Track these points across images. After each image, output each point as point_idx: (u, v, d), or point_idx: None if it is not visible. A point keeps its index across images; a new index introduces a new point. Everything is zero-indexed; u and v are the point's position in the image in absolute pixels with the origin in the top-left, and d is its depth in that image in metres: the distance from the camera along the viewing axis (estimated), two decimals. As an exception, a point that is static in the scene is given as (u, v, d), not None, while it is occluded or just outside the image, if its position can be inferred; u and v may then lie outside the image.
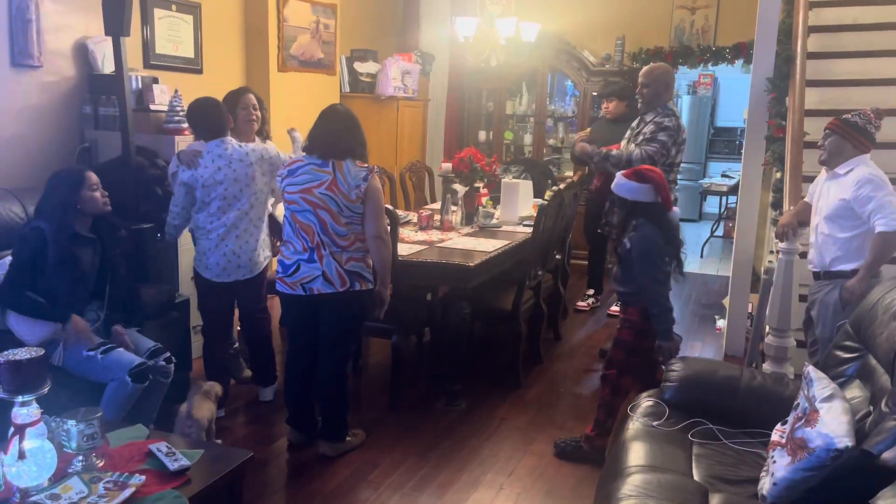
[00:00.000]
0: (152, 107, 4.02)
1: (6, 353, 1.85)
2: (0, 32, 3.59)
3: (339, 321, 3.04)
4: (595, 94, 6.54)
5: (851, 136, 3.00)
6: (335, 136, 2.96)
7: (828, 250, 3.09)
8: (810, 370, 2.18)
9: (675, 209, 3.00)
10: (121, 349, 2.85)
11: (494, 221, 4.47)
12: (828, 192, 3.09)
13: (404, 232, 4.08)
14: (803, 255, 3.31)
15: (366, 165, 3.00)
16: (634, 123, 4.19)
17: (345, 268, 2.95)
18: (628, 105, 4.88)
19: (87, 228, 2.92)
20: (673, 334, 3.00)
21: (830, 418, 1.94)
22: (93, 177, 2.90)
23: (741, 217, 4.57)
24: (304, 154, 3.02)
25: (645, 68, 4.17)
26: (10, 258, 2.94)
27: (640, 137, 3.96)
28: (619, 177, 2.99)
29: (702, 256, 7.84)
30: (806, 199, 3.35)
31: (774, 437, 2.16)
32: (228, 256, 3.28)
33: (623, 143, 4.24)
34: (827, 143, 3.06)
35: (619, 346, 3.11)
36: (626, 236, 2.99)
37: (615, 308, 5.46)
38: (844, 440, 1.87)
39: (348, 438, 3.21)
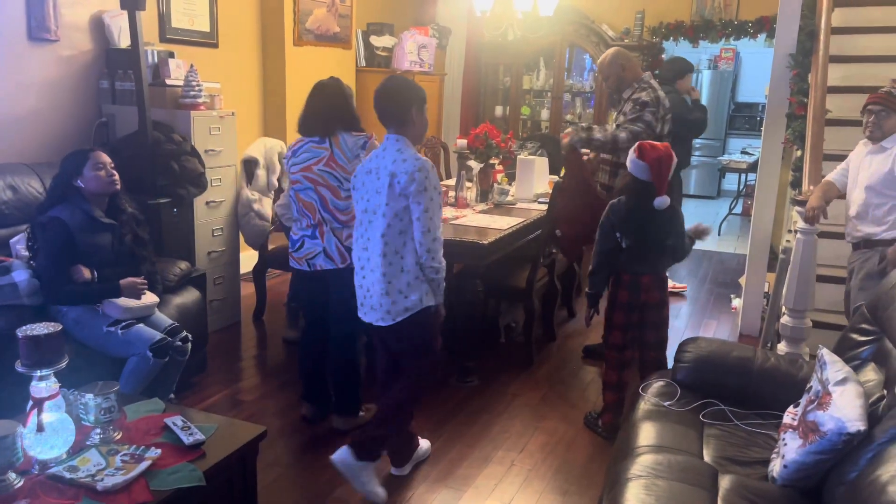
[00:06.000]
0: (168, 81, 4.02)
1: (25, 328, 1.88)
2: (17, 6, 3.60)
3: (344, 297, 3.04)
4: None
5: None
6: (322, 115, 3.01)
7: (868, 220, 3.09)
8: (824, 352, 2.16)
9: (664, 198, 2.94)
10: (141, 325, 2.89)
11: (509, 198, 4.45)
12: (870, 164, 3.10)
13: (419, 208, 4.05)
14: (821, 234, 3.28)
15: (363, 133, 3.03)
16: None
17: (345, 244, 2.98)
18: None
19: (104, 213, 2.93)
20: (589, 306, 3.21)
21: (843, 402, 1.93)
22: (100, 156, 2.88)
23: (760, 195, 4.52)
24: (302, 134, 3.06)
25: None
26: (24, 234, 2.97)
27: (622, 117, 3.91)
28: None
29: (719, 234, 7.77)
30: (828, 178, 3.31)
31: (786, 419, 2.15)
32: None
33: (611, 123, 4.22)
34: (879, 118, 3.06)
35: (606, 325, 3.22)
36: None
37: None
38: (857, 424, 1.87)
39: (361, 413, 3.24)
